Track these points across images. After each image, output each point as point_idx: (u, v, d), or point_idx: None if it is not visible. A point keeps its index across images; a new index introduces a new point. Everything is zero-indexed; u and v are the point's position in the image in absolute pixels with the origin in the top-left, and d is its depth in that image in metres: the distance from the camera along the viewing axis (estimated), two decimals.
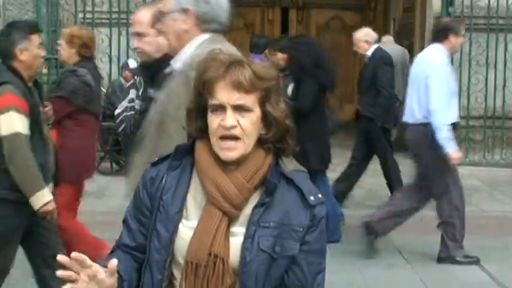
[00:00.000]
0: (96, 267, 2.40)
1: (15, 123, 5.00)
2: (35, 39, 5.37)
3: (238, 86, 2.49)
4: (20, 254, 5.56)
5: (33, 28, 5.54)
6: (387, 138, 10.09)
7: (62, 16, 13.39)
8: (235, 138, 2.50)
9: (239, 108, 2.50)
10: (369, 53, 9.94)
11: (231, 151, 2.51)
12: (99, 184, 10.92)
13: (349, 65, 17.07)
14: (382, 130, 9.86)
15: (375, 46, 10.01)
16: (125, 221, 2.70)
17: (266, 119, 2.55)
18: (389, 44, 16.36)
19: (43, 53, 5.44)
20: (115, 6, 12.98)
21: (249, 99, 2.51)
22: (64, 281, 2.39)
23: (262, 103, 2.54)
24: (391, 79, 9.93)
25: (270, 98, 2.55)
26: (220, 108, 2.50)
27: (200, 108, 2.57)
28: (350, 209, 9.61)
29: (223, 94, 2.49)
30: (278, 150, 2.60)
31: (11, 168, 4.94)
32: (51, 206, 5.08)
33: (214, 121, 2.51)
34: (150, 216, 2.62)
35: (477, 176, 12.48)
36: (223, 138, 2.50)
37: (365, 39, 9.96)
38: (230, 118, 2.49)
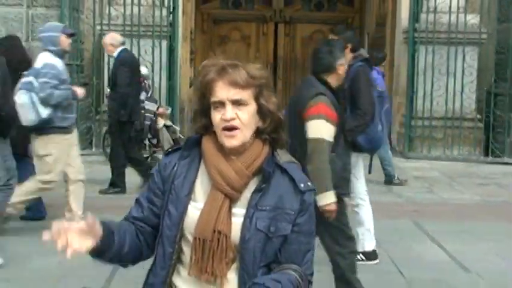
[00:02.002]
0: (73, 225, 2.42)
1: (322, 130, 5.05)
2: (348, 54, 5.68)
3: (234, 84, 2.52)
4: None
5: (344, 46, 5.76)
6: (129, 133, 9.85)
7: (82, 28, 13.32)
8: (235, 128, 2.53)
9: (236, 103, 2.53)
10: (115, 54, 9.82)
11: (233, 139, 2.53)
12: None
13: None
14: (125, 124, 9.71)
15: (120, 48, 9.82)
16: (137, 200, 2.73)
17: (261, 111, 2.57)
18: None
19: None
20: (128, 20, 12.92)
21: (245, 94, 2.54)
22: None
23: (257, 98, 2.57)
24: (127, 78, 9.67)
25: (263, 93, 2.58)
26: (221, 104, 2.53)
27: (204, 108, 2.59)
28: None
29: (223, 92, 2.53)
30: (273, 141, 2.62)
31: (308, 167, 4.94)
32: (333, 207, 5.08)
33: (216, 116, 2.54)
34: (162, 197, 2.64)
35: (438, 169, 12.56)
36: (226, 129, 2.53)
37: (110, 42, 9.84)
38: (229, 112, 2.52)
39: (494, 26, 13.81)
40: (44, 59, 7.31)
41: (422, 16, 13.49)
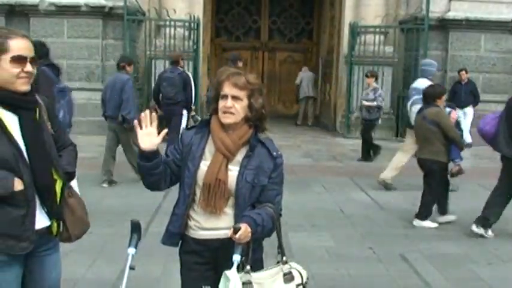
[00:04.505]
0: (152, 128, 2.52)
1: None
2: None
3: (236, 85, 2.53)
4: None
5: None
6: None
7: (137, 53, 13.20)
8: (231, 113, 2.54)
9: (235, 98, 2.54)
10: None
11: (228, 118, 2.55)
12: None
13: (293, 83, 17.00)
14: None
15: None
16: (166, 150, 2.69)
17: (250, 106, 2.57)
18: (305, 71, 16.90)
19: None
20: (167, 47, 12.74)
21: (242, 94, 2.55)
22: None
23: (249, 97, 2.56)
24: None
25: (255, 95, 2.57)
26: (225, 96, 2.54)
27: (216, 98, 2.59)
28: None
29: (227, 89, 2.54)
30: (256, 127, 2.60)
31: None
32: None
33: (221, 103, 2.55)
34: (181, 157, 2.62)
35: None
36: (225, 112, 2.54)
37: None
38: (229, 102, 2.53)
39: (402, 53, 13.70)
40: None
41: (356, 47, 13.36)
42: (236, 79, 2.54)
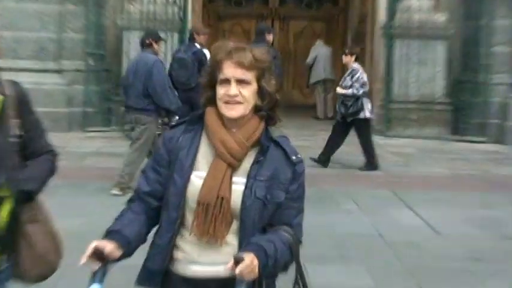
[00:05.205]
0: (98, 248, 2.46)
1: None
2: None
3: (241, 65, 2.51)
4: None
5: None
6: None
7: (105, 23, 13.29)
8: (237, 103, 2.53)
9: (241, 82, 2.52)
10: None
11: (233, 110, 2.53)
12: None
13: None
14: None
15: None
16: (143, 171, 2.69)
17: (261, 92, 2.57)
18: (319, 46, 16.81)
19: None
20: (144, 16, 12.78)
21: (249, 75, 2.53)
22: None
23: (259, 79, 2.55)
24: None
25: (265, 75, 2.57)
26: (227, 81, 2.52)
27: (211, 83, 2.57)
28: None
29: (229, 70, 2.52)
30: (268, 118, 2.60)
31: None
32: None
33: (221, 90, 2.53)
34: (168, 167, 2.60)
35: (412, 146, 12.49)
36: (228, 103, 2.52)
37: None
38: (234, 89, 2.51)
39: (460, 23, 13.69)
40: None
41: (397, 15, 13.38)
42: (241, 56, 2.52)
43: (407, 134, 13.22)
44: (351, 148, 10.98)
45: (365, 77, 10.07)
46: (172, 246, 2.58)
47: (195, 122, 2.65)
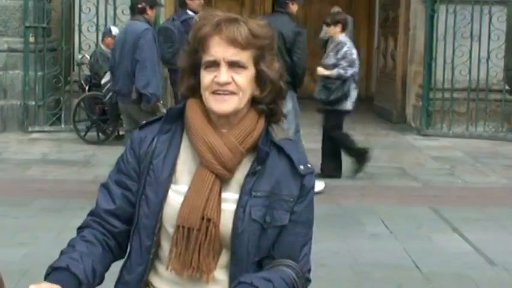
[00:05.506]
0: None
1: None
2: None
3: (233, 42, 2.44)
4: None
5: None
6: None
7: None
8: (231, 93, 2.46)
9: (234, 65, 2.46)
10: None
11: (224, 103, 2.46)
12: (86, 153, 10.91)
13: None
14: None
15: None
16: (104, 185, 2.62)
17: (260, 78, 2.51)
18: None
19: None
20: None
21: (244, 56, 2.46)
22: None
23: (257, 62, 2.49)
24: None
25: (265, 56, 2.51)
26: (215, 64, 2.45)
27: (194, 66, 2.52)
28: None
29: (218, 49, 2.45)
30: (270, 113, 2.56)
31: None
32: None
33: (207, 76, 2.46)
34: (138, 180, 2.56)
35: (460, 148, 12.52)
36: (217, 93, 2.46)
37: None
38: (224, 75, 2.45)
39: None
40: None
41: None
42: (233, 30, 2.46)
43: (453, 133, 13.33)
44: (376, 153, 10.99)
45: (355, 53, 10.07)
46: (145, 283, 2.57)
47: (173, 119, 2.59)
